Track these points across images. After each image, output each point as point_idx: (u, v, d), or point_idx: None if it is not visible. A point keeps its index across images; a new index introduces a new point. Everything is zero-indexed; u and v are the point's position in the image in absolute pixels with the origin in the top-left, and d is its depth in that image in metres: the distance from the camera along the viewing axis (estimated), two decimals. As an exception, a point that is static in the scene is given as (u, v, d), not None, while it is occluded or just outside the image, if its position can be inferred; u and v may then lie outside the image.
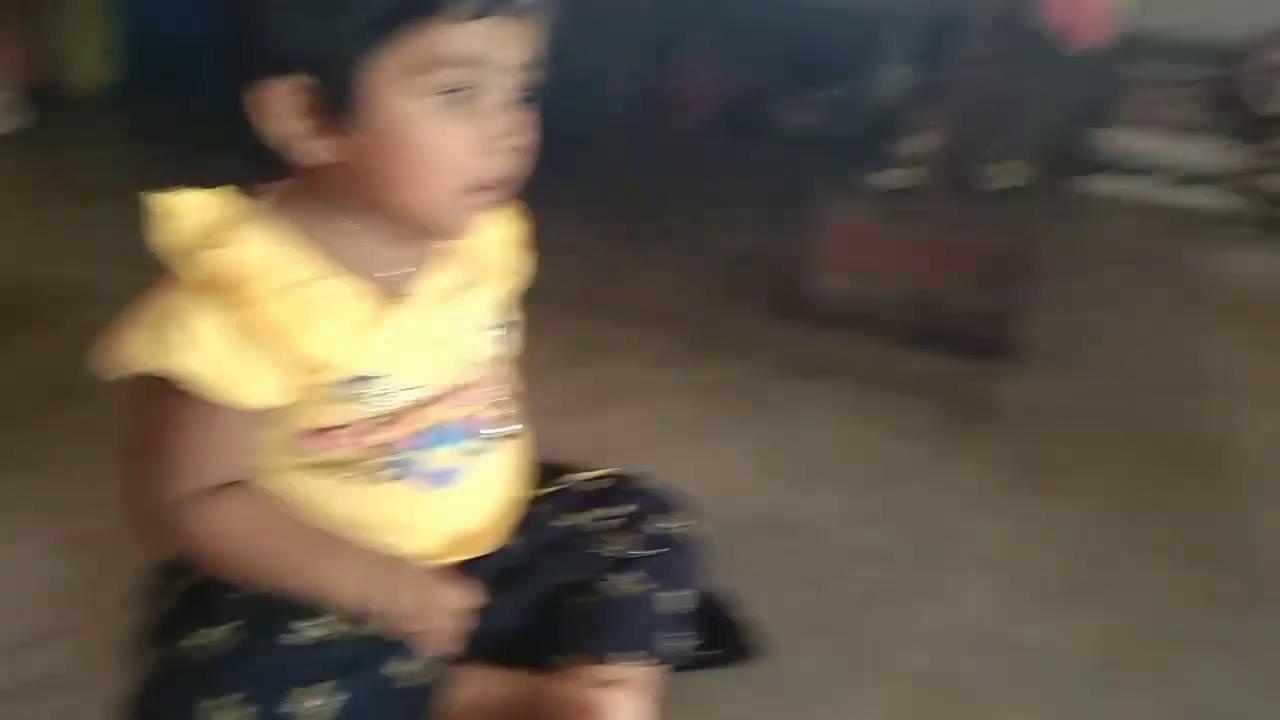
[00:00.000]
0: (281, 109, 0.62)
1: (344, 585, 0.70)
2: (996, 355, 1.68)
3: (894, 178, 1.88)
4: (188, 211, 0.65)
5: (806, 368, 1.64)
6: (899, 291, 1.71)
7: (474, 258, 0.77)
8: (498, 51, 0.62)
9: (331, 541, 0.71)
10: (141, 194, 0.65)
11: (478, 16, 0.59)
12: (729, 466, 1.32)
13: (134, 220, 0.67)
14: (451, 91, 0.61)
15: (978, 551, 1.18)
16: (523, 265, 0.83)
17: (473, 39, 0.60)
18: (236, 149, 0.66)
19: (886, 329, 1.73)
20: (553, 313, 1.76)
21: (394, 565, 0.72)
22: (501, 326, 0.80)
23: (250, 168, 0.68)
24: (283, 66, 0.61)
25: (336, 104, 0.61)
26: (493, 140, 0.63)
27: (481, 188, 0.65)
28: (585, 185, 2.57)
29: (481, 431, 0.77)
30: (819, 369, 1.64)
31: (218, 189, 0.68)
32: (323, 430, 0.70)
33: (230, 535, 0.68)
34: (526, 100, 0.67)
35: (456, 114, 0.62)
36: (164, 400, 0.64)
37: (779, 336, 1.76)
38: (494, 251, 0.80)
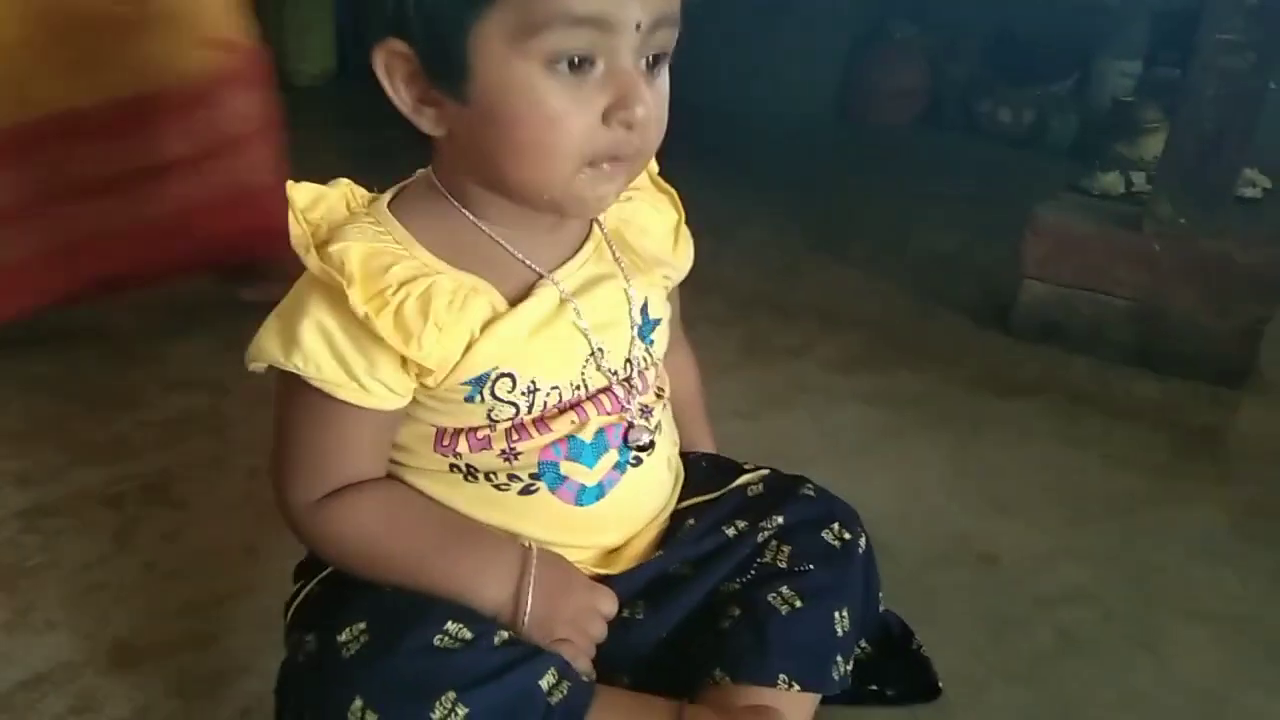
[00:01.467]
0: (392, 76, 0.58)
1: (488, 584, 0.64)
2: (1230, 382, 1.50)
3: (1117, 181, 1.71)
4: (306, 205, 0.63)
5: (1009, 383, 1.51)
6: (1119, 305, 1.55)
7: (624, 247, 0.71)
8: (617, 10, 0.54)
9: (476, 534, 0.66)
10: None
11: None
12: (915, 486, 1.22)
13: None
14: (565, 57, 0.55)
15: (1198, 603, 1.04)
16: (681, 257, 0.76)
17: None
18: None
19: (1103, 345, 1.57)
20: (731, 309, 1.72)
21: (549, 563, 0.67)
22: (653, 323, 0.73)
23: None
24: (390, 28, 0.57)
25: (441, 70, 0.57)
26: (613, 112, 0.56)
27: (603, 161, 0.58)
28: (773, 179, 2.50)
29: (631, 439, 0.71)
30: (1023, 385, 1.51)
31: (335, 181, 0.67)
32: (458, 431, 0.66)
33: (359, 535, 0.65)
34: (658, 65, 0.59)
35: (571, 82, 0.55)
36: (295, 396, 0.63)
37: (980, 347, 1.63)
38: (647, 241, 0.73)
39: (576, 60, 0.55)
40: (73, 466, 1.17)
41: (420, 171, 0.68)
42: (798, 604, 0.71)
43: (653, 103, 0.58)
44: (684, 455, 0.82)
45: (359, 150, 2.56)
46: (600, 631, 0.68)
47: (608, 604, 0.68)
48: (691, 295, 0.83)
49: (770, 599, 0.71)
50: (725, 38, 3.07)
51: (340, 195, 0.65)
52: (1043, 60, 3.03)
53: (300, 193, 0.63)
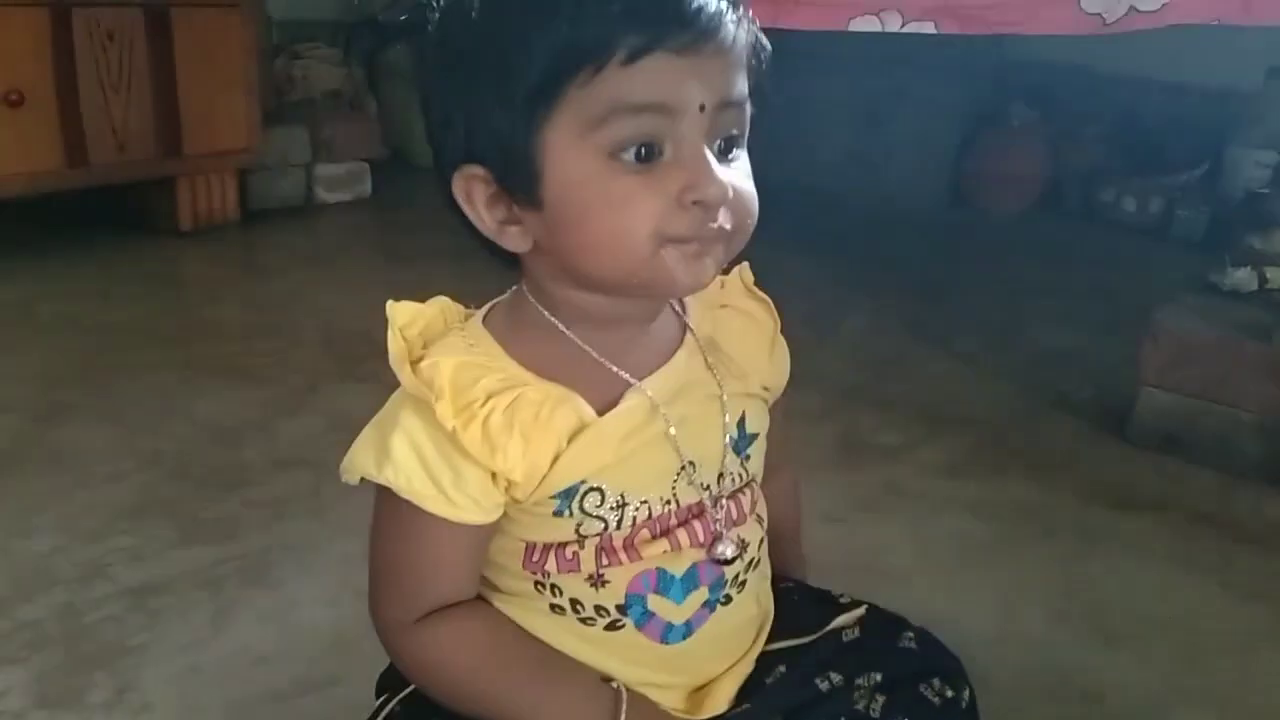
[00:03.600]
0: (473, 202, 0.59)
1: None
2: (1373, 506, 1.39)
3: (1249, 277, 1.63)
4: (404, 322, 0.63)
5: (1124, 496, 1.43)
6: (1245, 419, 1.46)
7: (718, 355, 0.68)
8: (677, 94, 0.53)
9: (568, 673, 0.65)
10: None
11: (644, 54, 0.51)
12: (1016, 607, 1.16)
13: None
14: (630, 145, 0.54)
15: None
16: (778, 369, 0.75)
17: (648, 81, 0.52)
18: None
19: (1227, 460, 1.48)
20: (828, 403, 1.69)
21: (640, 710, 0.64)
22: (750, 438, 0.70)
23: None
24: (463, 156, 0.57)
25: (516, 181, 0.56)
26: (685, 194, 0.55)
27: (680, 240, 0.56)
28: (880, 266, 2.46)
29: (725, 571, 0.69)
30: (1139, 500, 1.43)
31: (433, 300, 0.67)
32: (547, 548, 0.64)
33: (452, 664, 0.63)
34: (732, 147, 0.57)
35: (640, 169, 0.54)
36: (388, 510, 0.62)
37: (1093, 455, 1.56)
38: (742, 351, 0.70)
39: (643, 150, 0.54)
40: (180, 545, 1.22)
41: (513, 289, 0.69)
42: None
43: (730, 182, 0.56)
44: (775, 584, 0.79)
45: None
46: None
47: None
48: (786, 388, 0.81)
49: None
50: (837, 120, 3.08)
51: (438, 312, 0.66)
52: (1171, 148, 2.93)
53: (399, 311, 0.64)
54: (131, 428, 1.50)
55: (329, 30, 3.15)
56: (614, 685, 0.65)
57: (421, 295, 0.66)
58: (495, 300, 0.68)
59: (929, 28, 1.39)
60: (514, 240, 0.59)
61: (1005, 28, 1.40)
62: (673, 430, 0.63)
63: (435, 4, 0.59)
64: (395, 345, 0.62)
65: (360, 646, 1.00)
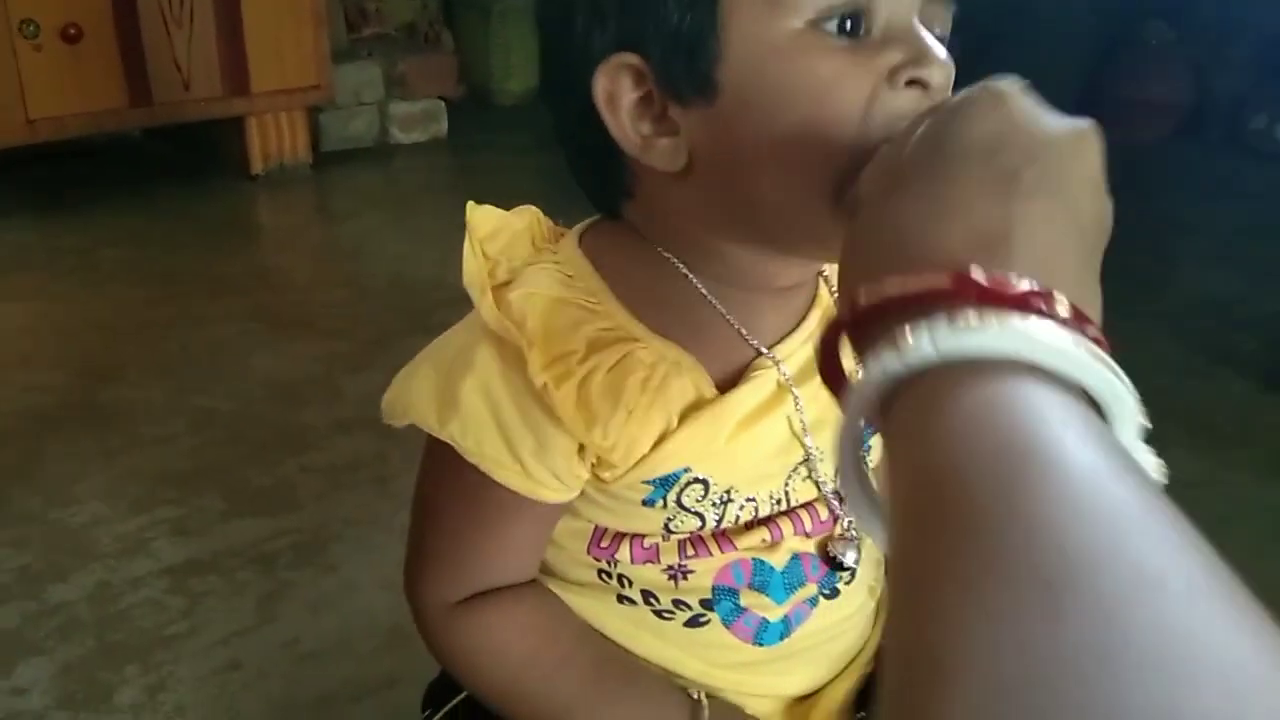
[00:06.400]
0: (616, 107, 0.45)
1: None
2: None
3: None
4: (486, 234, 0.51)
5: (1315, 471, 1.22)
6: None
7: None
8: None
9: (636, 679, 0.54)
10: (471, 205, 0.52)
11: None
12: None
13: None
14: (837, 13, 0.42)
15: None
16: None
17: None
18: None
19: None
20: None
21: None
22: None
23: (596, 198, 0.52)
24: (610, 45, 0.45)
25: (686, 66, 0.44)
26: (904, 70, 0.43)
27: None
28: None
29: (833, 550, 0.55)
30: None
31: (521, 209, 0.54)
32: (621, 535, 0.53)
33: (500, 655, 0.53)
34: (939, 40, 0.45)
35: (845, 45, 0.42)
36: (445, 471, 0.51)
37: (1270, 421, 1.34)
38: None
39: (848, 23, 0.43)
40: (231, 516, 1.11)
41: (598, 219, 0.54)
42: None
43: (945, 65, 0.43)
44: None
45: (557, 169, 2.49)
46: None
47: None
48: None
49: None
50: (949, 43, 2.83)
51: (526, 226, 0.53)
52: (1333, 67, 2.61)
53: (481, 218, 0.51)
54: (186, 385, 1.39)
55: (404, -39, 3.00)
56: (694, 694, 0.55)
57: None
58: (591, 220, 0.53)
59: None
60: (664, 156, 0.46)
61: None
62: (801, 416, 0.51)
63: None
64: (473, 263, 0.49)
65: (419, 643, 0.88)
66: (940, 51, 0.43)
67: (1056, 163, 0.34)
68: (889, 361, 0.28)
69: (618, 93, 0.45)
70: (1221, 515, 1.13)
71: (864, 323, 0.31)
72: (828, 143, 0.42)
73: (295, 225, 2.19)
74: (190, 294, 1.71)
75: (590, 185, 0.50)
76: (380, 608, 0.97)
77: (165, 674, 0.89)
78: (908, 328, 0.28)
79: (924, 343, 0.28)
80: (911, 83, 0.43)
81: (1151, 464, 0.29)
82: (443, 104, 2.73)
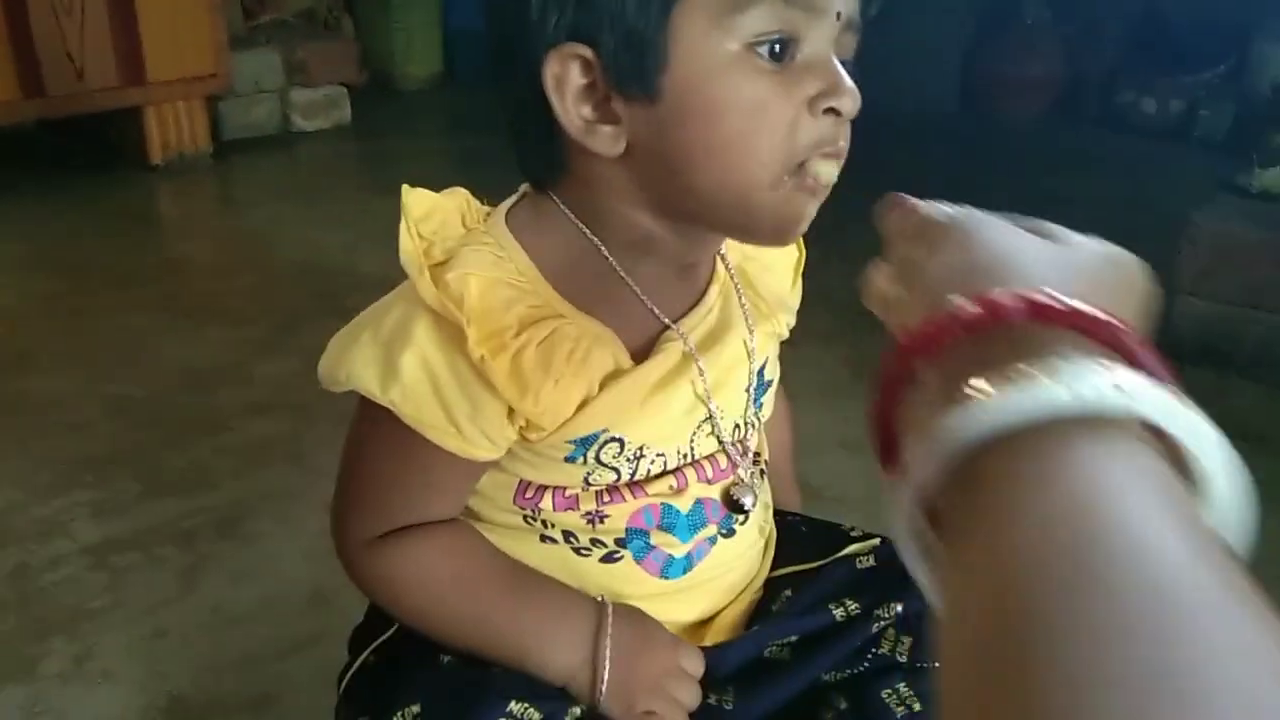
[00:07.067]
0: (563, 91, 0.49)
1: (558, 646, 0.57)
2: None
3: (1278, 179, 1.52)
4: (419, 214, 0.54)
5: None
6: (1292, 325, 1.36)
7: (747, 287, 0.62)
8: None
9: (545, 587, 0.59)
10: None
11: None
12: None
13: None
14: (770, 39, 0.48)
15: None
16: (795, 299, 0.66)
17: None
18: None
19: (1274, 371, 1.38)
20: (839, 324, 1.55)
21: (626, 619, 0.59)
22: (766, 385, 0.63)
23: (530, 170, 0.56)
24: (565, 34, 0.49)
25: (632, 65, 0.49)
26: (821, 100, 0.49)
27: (809, 158, 0.50)
28: (888, 177, 2.31)
29: (731, 511, 0.61)
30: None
31: (451, 190, 0.58)
32: (544, 487, 0.58)
33: (418, 580, 0.58)
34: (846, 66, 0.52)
35: (773, 68, 0.48)
36: (379, 430, 0.55)
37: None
38: (770, 279, 0.64)
39: (778, 47, 0.48)
40: (148, 497, 1.14)
41: (524, 186, 0.58)
42: (916, 706, 0.60)
43: (853, 96, 0.50)
44: (778, 517, 0.71)
45: (464, 153, 2.53)
46: (691, 698, 0.59)
47: (694, 662, 0.60)
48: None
49: (884, 696, 0.61)
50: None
51: (456, 207, 0.57)
52: (1193, 44, 2.78)
53: (415, 200, 0.55)
54: (97, 373, 1.40)
55: (300, -54, 2.97)
56: (597, 597, 0.60)
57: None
58: (516, 198, 0.58)
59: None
60: (604, 141, 0.50)
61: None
62: (703, 381, 0.57)
63: None
64: (410, 244, 0.53)
65: (342, 603, 0.93)
66: (849, 83, 0.50)
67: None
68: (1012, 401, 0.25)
69: (565, 78, 0.49)
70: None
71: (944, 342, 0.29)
72: (759, 149, 0.49)
73: (199, 214, 2.18)
74: (97, 285, 1.71)
75: (528, 157, 0.53)
76: (301, 575, 1.01)
77: (91, 644, 0.92)
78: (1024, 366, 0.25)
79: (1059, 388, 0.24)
80: (828, 110, 0.49)
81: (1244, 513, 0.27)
82: (345, 90, 2.73)
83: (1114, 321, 0.27)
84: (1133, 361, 0.27)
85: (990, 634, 0.22)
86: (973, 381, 0.25)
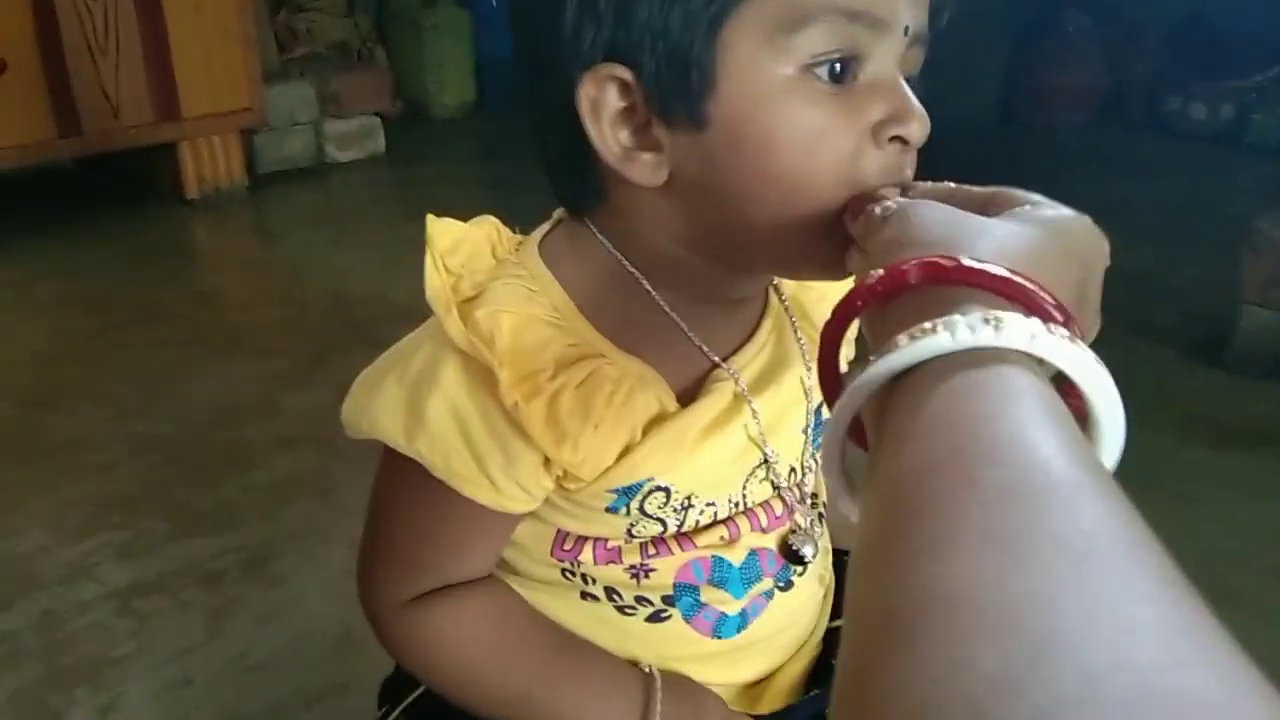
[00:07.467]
0: (599, 116, 0.44)
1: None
2: None
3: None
4: (444, 246, 0.50)
5: (1228, 431, 1.27)
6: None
7: (802, 318, 0.56)
8: (892, 7, 0.43)
9: (589, 658, 0.55)
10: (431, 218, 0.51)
11: None
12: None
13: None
14: (829, 59, 0.42)
15: None
16: (852, 331, 0.60)
17: None
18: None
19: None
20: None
21: (677, 694, 0.54)
22: (821, 423, 0.58)
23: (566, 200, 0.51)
24: (602, 54, 0.44)
25: (677, 89, 0.43)
26: (886, 127, 0.43)
27: (862, 200, 0.43)
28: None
29: (789, 562, 0.56)
30: (1247, 434, 1.27)
31: (479, 219, 0.53)
32: (584, 538, 0.53)
33: (454, 647, 0.53)
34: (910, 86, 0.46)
35: (832, 91, 0.43)
36: (406, 482, 0.51)
37: (1189, 386, 1.40)
38: (826, 309, 0.57)
39: (838, 67, 0.43)
40: (175, 537, 1.11)
41: (557, 218, 0.54)
42: None
43: (921, 121, 0.44)
44: (838, 558, 0.66)
45: (497, 181, 2.51)
46: None
47: None
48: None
49: None
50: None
51: (485, 237, 0.53)
52: (1241, 47, 2.70)
53: (441, 231, 0.51)
54: (126, 411, 1.39)
55: (332, -21, 2.99)
56: (645, 667, 0.56)
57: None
58: (548, 226, 0.53)
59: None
60: (644, 171, 0.45)
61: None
62: (756, 424, 0.52)
63: None
64: (436, 279, 0.48)
65: (370, 649, 0.88)
66: (918, 107, 0.44)
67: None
68: (920, 346, 0.29)
69: (601, 101, 0.44)
70: (1142, 475, 1.18)
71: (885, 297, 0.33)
72: (816, 187, 0.43)
73: (231, 248, 2.18)
74: (128, 321, 1.70)
75: (562, 184, 0.49)
76: (329, 617, 0.98)
77: (115, 694, 0.89)
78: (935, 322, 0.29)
79: (957, 334, 0.28)
80: (894, 138, 0.43)
81: (1118, 445, 0.31)
82: (379, 120, 2.73)
83: (1014, 278, 0.30)
84: (1037, 314, 0.30)
85: (875, 530, 0.26)
86: (891, 338, 0.30)
